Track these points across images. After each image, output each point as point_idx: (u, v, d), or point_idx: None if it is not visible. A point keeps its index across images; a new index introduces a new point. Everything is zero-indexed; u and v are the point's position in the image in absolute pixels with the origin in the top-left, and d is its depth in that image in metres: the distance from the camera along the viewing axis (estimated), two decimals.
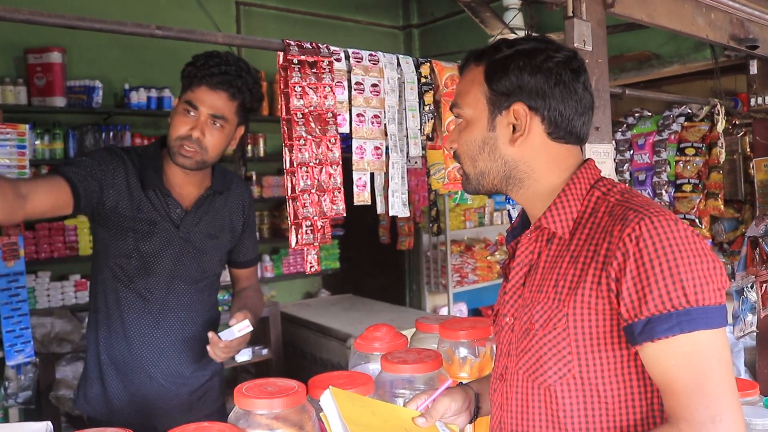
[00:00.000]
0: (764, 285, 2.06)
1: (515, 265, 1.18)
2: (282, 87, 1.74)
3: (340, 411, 1.09)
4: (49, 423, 1.35)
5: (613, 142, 2.51)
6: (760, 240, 2.11)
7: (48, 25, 1.36)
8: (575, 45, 1.88)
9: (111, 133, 4.30)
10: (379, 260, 6.15)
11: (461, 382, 1.33)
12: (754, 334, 2.35)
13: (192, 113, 1.77)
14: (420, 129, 2.00)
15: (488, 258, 6.01)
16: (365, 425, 1.10)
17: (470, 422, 1.30)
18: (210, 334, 1.76)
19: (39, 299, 4.02)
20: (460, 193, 2.26)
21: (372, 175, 1.92)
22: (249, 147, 4.94)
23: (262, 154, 5.09)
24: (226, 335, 1.78)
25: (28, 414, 3.64)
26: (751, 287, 2.02)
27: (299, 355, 4.41)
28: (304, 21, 5.34)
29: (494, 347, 1.73)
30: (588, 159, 1.16)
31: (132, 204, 1.83)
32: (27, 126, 2.86)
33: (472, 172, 1.18)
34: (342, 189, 1.82)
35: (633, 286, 0.96)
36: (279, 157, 5.93)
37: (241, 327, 1.79)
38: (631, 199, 1.05)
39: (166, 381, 1.90)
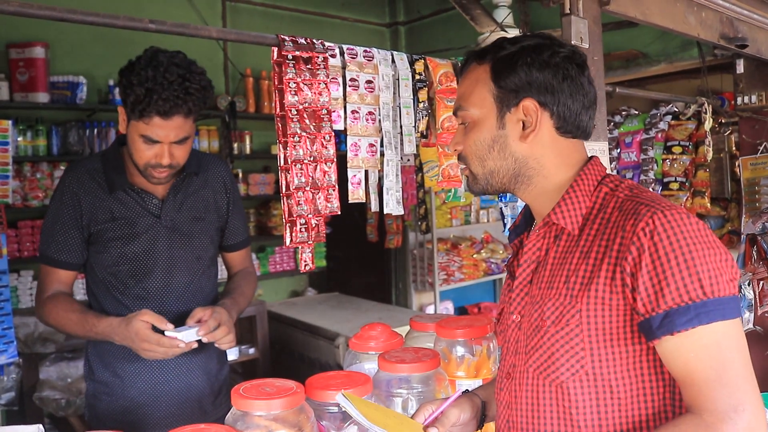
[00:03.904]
0: (761, 282, 2.08)
1: (522, 262, 1.17)
2: (276, 83, 1.71)
3: (357, 408, 1.09)
4: (41, 426, 1.32)
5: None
6: (759, 238, 2.13)
7: (38, 18, 1.32)
8: (572, 42, 1.89)
9: (95, 130, 4.23)
10: (365, 258, 6.12)
11: (467, 390, 1.31)
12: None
13: (153, 143, 1.71)
14: (414, 126, 1.98)
15: (474, 256, 6.00)
16: (383, 423, 1.10)
17: (477, 430, 1.29)
18: (166, 325, 1.66)
19: (22, 298, 3.95)
20: (453, 191, 2.24)
21: (366, 172, 1.90)
22: (235, 145, 4.89)
23: (248, 151, 5.05)
24: (174, 333, 1.65)
25: (11, 415, 3.58)
26: (748, 285, 2.04)
27: (287, 354, 4.37)
28: (291, 18, 5.31)
29: (491, 346, 1.72)
30: (593, 156, 1.16)
31: (106, 214, 1.80)
32: (9, 122, 2.81)
33: (481, 172, 1.17)
34: (336, 187, 1.79)
35: (649, 279, 0.97)
36: (265, 154, 5.86)
37: (184, 335, 1.64)
38: (640, 195, 1.06)
39: (178, 384, 1.85)
